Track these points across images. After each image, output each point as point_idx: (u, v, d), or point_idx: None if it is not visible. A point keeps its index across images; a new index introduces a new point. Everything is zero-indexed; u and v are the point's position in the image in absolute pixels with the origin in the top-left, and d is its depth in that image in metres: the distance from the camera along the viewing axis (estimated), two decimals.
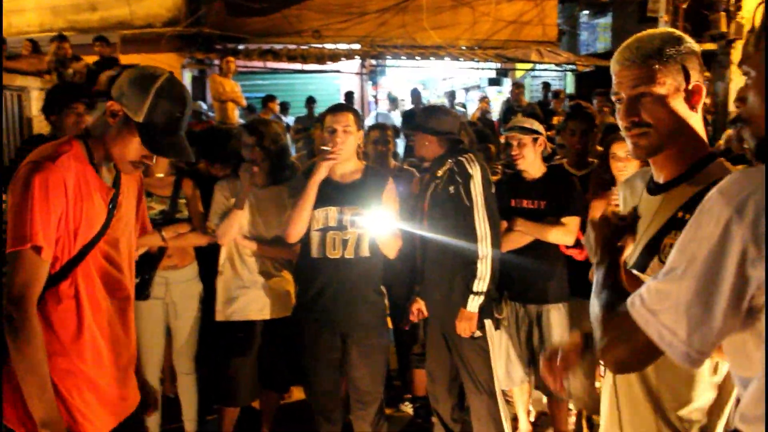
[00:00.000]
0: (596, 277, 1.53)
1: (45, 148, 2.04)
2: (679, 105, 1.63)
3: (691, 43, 1.66)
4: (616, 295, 1.41)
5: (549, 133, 4.91)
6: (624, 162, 3.44)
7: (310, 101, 11.40)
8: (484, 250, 3.36)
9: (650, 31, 1.70)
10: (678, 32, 1.68)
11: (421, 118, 3.67)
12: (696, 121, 1.66)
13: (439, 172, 3.51)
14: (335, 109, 3.47)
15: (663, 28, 1.76)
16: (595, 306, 1.41)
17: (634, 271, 1.70)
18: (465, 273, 3.39)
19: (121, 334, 2.20)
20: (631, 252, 1.74)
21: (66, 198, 1.97)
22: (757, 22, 1.18)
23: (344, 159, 3.39)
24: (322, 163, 3.32)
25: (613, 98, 1.70)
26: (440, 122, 3.55)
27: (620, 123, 1.70)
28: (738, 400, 1.23)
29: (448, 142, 3.54)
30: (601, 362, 1.37)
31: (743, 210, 1.06)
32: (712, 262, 1.10)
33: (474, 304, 3.36)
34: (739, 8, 12.25)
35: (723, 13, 12.09)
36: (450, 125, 3.57)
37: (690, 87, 1.63)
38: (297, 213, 3.34)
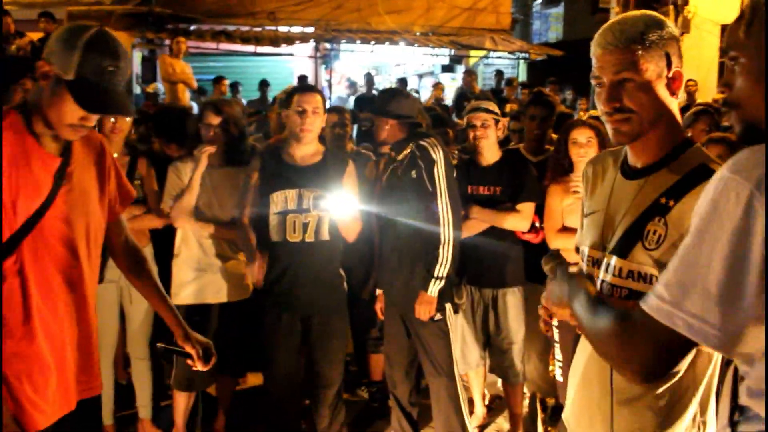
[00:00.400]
0: (578, 305, 1.50)
1: None
2: (661, 91, 1.64)
3: (672, 28, 1.66)
4: (614, 308, 1.37)
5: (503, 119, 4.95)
6: (585, 148, 3.50)
7: (264, 84, 11.26)
8: (447, 235, 3.37)
9: (632, 13, 1.69)
10: (660, 16, 1.67)
11: (381, 101, 3.64)
12: (675, 107, 1.68)
13: (399, 156, 3.50)
14: (304, 90, 3.47)
15: (643, 11, 1.74)
16: (597, 324, 1.37)
17: (614, 257, 1.71)
18: (426, 257, 3.40)
19: (78, 316, 2.08)
20: (609, 237, 1.75)
21: None
22: (745, 6, 1.19)
23: (310, 140, 3.38)
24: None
25: (594, 82, 1.69)
26: (400, 106, 3.54)
27: (601, 108, 1.69)
28: (735, 377, 1.24)
29: (409, 126, 3.54)
30: (626, 377, 1.31)
31: (762, 184, 1.07)
32: (738, 239, 1.09)
33: (434, 288, 3.36)
34: (686, 2, 12.57)
35: (671, 7, 12.36)
36: (409, 109, 3.56)
37: (671, 74, 1.65)
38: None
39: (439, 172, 3.38)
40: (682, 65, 1.68)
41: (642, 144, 1.69)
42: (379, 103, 3.65)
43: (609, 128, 1.69)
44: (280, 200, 3.35)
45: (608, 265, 1.72)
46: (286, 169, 3.39)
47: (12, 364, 1.93)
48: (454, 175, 3.53)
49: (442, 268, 3.36)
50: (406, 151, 3.47)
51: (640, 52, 1.60)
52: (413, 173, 3.41)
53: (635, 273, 1.65)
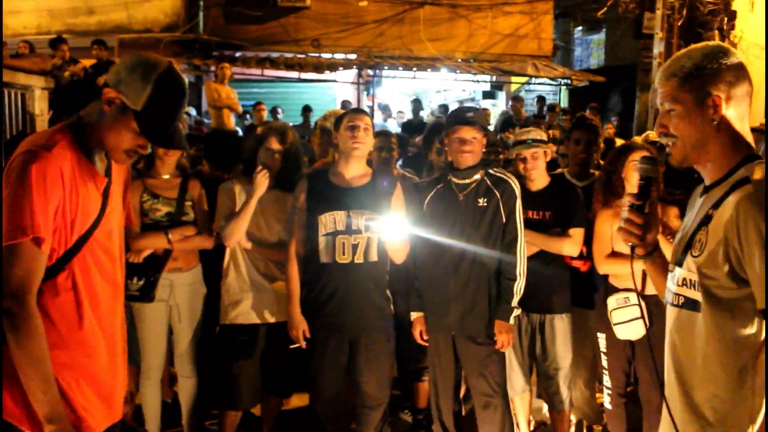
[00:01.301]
0: None
1: (38, 137, 1.99)
2: (697, 120, 1.74)
3: (725, 57, 1.74)
4: None
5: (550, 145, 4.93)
6: None
7: (307, 110, 11.42)
8: (521, 269, 3.45)
9: (693, 46, 1.81)
10: (715, 46, 1.77)
11: (475, 114, 3.55)
12: (728, 129, 1.73)
13: (462, 180, 3.50)
14: (355, 111, 3.59)
15: (705, 43, 1.84)
16: None
17: (676, 267, 1.81)
18: (497, 287, 3.46)
19: (117, 325, 2.18)
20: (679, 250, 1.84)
21: (63, 188, 1.92)
22: None
23: (361, 156, 3.41)
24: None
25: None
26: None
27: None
28: None
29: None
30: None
31: None
32: None
33: (512, 317, 3.46)
34: (732, 27, 12.46)
35: (716, 32, 12.26)
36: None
37: (709, 102, 1.72)
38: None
39: (519, 206, 3.46)
40: (732, 90, 1.72)
41: (702, 166, 1.82)
42: (475, 118, 3.52)
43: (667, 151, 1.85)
44: (329, 222, 3.36)
45: (673, 275, 1.84)
46: (334, 191, 3.40)
47: (64, 372, 1.99)
48: None
49: (516, 299, 3.47)
50: (476, 177, 3.49)
51: (677, 84, 1.76)
52: (482, 201, 3.45)
53: (687, 280, 1.77)
